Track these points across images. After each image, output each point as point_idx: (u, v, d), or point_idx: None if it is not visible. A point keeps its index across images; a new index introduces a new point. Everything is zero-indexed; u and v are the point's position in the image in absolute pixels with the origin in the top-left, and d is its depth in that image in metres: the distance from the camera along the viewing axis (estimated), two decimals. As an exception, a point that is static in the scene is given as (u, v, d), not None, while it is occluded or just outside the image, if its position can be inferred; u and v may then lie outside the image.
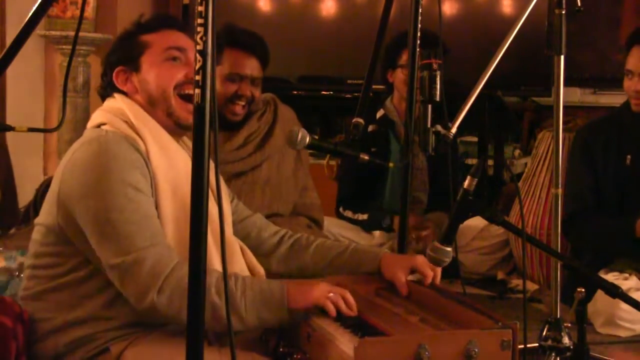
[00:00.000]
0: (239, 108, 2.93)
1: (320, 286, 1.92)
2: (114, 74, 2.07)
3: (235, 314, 1.83)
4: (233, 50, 2.92)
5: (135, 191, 1.87)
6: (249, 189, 3.00)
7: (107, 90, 2.10)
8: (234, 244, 2.11)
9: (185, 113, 2.02)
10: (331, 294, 1.90)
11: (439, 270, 2.13)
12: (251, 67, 2.94)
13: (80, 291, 1.93)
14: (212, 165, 1.43)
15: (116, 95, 2.07)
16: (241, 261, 2.10)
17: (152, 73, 2.04)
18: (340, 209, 3.96)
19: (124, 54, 2.08)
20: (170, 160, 1.98)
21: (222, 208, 1.60)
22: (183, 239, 1.65)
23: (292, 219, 3.09)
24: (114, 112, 2.03)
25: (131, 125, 1.99)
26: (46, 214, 1.97)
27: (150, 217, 1.89)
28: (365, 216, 3.87)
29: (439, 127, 2.18)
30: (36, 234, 2.02)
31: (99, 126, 2.01)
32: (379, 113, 3.96)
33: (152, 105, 2.04)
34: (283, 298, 1.87)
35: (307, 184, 3.23)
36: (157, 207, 1.93)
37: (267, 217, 2.96)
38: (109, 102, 2.08)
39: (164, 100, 2.03)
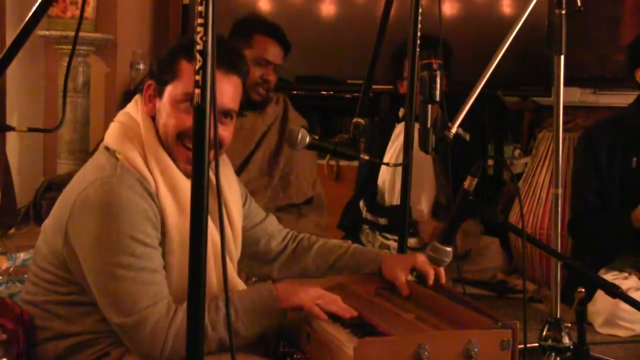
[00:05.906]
0: (263, 90, 3.12)
1: (309, 291, 1.90)
2: (145, 85, 2.00)
3: (236, 335, 1.83)
4: (263, 37, 3.11)
5: (144, 247, 1.83)
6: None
7: (140, 90, 2.03)
8: (238, 286, 2.06)
9: (184, 163, 1.93)
10: (319, 300, 1.87)
11: (442, 270, 2.12)
12: (277, 54, 3.12)
13: (79, 309, 1.92)
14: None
15: (140, 104, 2.00)
16: None
17: (166, 110, 1.95)
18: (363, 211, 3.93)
19: (159, 72, 1.98)
20: (181, 205, 1.91)
21: (225, 228, 1.56)
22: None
23: (300, 221, 3.13)
24: (130, 135, 1.95)
25: (144, 158, 1.92)
26: (53, 233, 1.92)
27: (156, 271, 1.85)
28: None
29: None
30: (42, 245, 1.98)
31: (113, 150, 1.93)
32: (401, 112, 3.92)
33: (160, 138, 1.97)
34: (275, 301, 1.87)
35: (316, 177, 3.42)
36: (164, 254, 1.89)
37: (282, 208, 3.03)
38: (131, 110, 2.01)
39: (167, 144, 1.95)
